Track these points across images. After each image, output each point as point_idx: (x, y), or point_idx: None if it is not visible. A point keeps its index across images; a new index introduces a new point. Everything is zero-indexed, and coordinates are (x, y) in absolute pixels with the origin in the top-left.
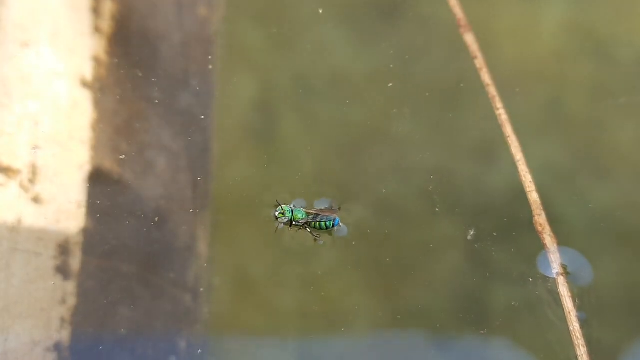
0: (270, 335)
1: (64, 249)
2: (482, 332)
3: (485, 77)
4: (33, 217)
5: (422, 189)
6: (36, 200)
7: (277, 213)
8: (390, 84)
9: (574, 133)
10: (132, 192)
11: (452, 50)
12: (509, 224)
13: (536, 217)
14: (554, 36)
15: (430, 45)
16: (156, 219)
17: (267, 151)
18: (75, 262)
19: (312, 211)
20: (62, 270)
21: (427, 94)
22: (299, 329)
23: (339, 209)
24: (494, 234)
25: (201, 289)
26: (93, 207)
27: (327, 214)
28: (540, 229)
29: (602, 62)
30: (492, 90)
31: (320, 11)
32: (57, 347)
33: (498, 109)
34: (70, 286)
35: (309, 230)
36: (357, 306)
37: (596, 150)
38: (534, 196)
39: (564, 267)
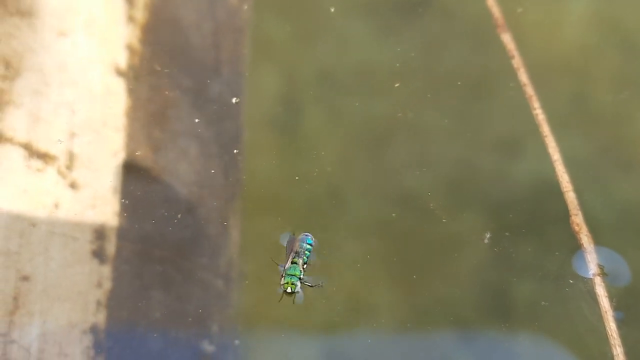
0: (297, 324)
1: (99, 233)
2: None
3: (523, 77)
4: (70, 202)
5: (446, 183)
6: (73, 185)
7: (289, 290)
8: (413, 80)
9: (601, 126)
10: (165, 178)
11: (477, 46)
12: (537, 221)
13: (573, 217)
14: (581, 30)
15: (454, 41)
16: (189, 205)
17: (292, 143)
18: (110, 246)
19: (292, 256)
20: (98, 255)
21: (452, 89)
22: (324, 322)
23: (294, 233)
24: (520, 230)
25: (233, 275)
26: (127, 193)
27: (297, 245)
28: (577, 229)
29: (628, 55)
30: (530, 90)
31: (332, 9)
32: (94, 329)
33: (535, 108)
34: (106, 270)
35: (307, 284)
36: (381, 300)
37: (623, 143)
38: (570, 196)
39: (600, 267)
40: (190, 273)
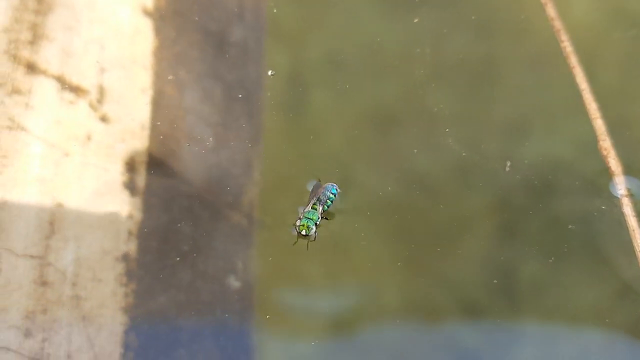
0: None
1: (130, 166)
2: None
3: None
4: (101, 135)
5: (454, 163)
6: (104, 119)
7: (303, 233)
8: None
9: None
10: (191, 117)
11: (485, 23)
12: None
13: (601, 142)
14: (585, 10)
15: (464, 21)
16: (214, 145)
17: (299, 124)
18: (140, 179)
19: (314, 201)
20: (129, 187)
21: (461, 70)
22: (330, 299)
23: (319, 180)
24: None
25: (255, 215)
26: (155, 129)
27: (321, 190)
28: (605, 153)
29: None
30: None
31: None
32: (125, 257)
33: (563, 41)
34: (137, 202)
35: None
36: (387, 279)
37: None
38: (598, 123)
39: (628, 189)
40: (216, 210)
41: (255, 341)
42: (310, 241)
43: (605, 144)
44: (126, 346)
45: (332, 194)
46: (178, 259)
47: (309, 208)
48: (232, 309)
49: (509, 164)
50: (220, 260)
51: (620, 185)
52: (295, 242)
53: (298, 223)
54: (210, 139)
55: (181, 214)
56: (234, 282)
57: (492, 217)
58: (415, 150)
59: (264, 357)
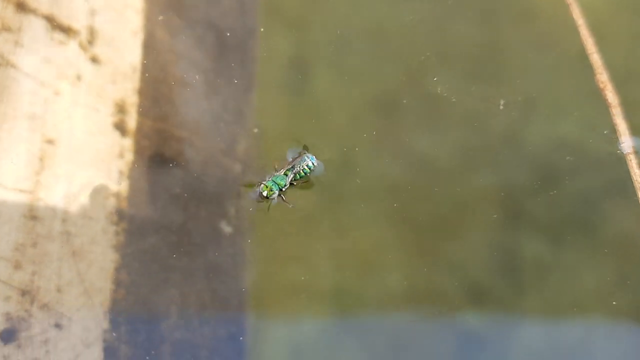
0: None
1: (120, 107)
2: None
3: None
4: (91, 76)
5: (457, 144)
6: (94, 60)
7: (264, 194)
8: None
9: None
10: (183, 62)
11: (489, 10)
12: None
13: (598, 76)
14: None
15: (467, 3)
16: (205, 90)
17: (302, 106)
18: (131, 121)
19: (288, 167)
20: (120, 128)
21: (464, 49)
22: (334, 283)
23: (304, 147)
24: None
25: (250, 163)
26: (146, 71)
27: (298, 159)
28: (602, 86)
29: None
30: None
31: None
32: (117, 196)
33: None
34: (127, 142)
35: (282, 198)
36: (391, 262)
37: None
38: (595, 58)
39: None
40: (209, 154)
41: (247, 284)
42: (271, 205)
43: (602, 77)
44: (117, 283)
45: (308, 167)
46: (169, 199)
47: (281, 173)
48: (223, 252)
49: (502, 102)
50: (212, 205)
51: (618, 118)
52: (260, 202)
53: (263, 183)
54: (202, 84)
55: (173, 156)
56: (226, 227)
57: (494, 198)
58: (419, 133)
59: (255, 300)
